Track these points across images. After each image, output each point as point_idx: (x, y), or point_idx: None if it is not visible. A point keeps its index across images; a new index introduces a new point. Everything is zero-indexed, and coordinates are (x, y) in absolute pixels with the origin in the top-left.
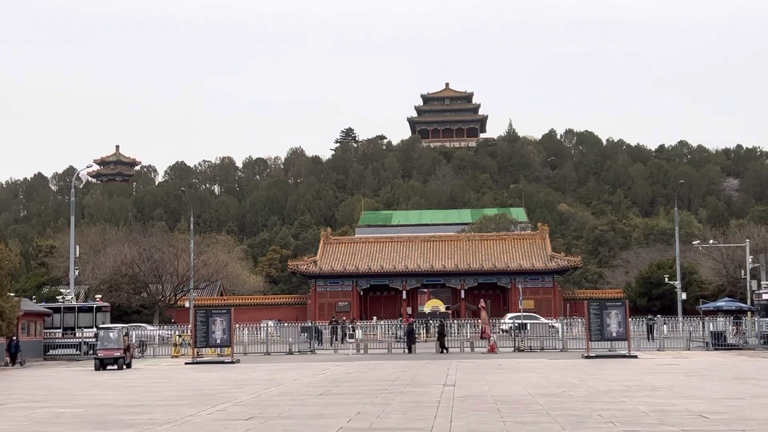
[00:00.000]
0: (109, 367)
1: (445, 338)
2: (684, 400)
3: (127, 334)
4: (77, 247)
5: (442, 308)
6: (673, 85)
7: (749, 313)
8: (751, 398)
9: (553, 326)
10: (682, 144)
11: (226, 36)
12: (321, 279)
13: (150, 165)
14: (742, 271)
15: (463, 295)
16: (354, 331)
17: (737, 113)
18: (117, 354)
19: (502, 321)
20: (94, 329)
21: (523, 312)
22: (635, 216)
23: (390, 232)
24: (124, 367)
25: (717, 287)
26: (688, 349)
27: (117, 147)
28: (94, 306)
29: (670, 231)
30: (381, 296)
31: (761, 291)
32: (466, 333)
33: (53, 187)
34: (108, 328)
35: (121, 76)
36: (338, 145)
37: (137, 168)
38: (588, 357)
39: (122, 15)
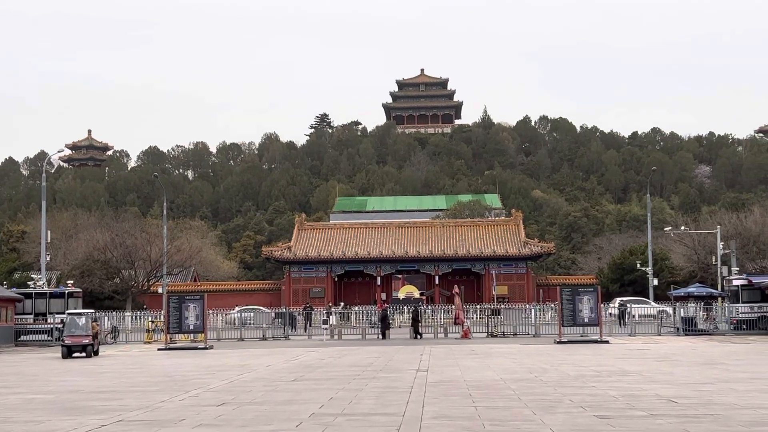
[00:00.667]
0: (76, 355)
1: (419, 324)
2: (654, 385)
3: (96, 320)
4: (49, 232)
5: (417, 294)
6: (646, 71)
7: (720, 299)
8: (719, 383)
9: (664, 311)
10: (655, 131)
11: (196, 20)
12: (295, 265)
13: (123, 150)
14: (713, 258)
15: (437, 281)
16: (329, 316)
17: (709, 100)
18: (85, 341)
19: (611, 305)
20: (66, 315)
21: (626, 298)
22: (608, 202)
23: (365, 218)
24: (93, 354)
25: (688, 273)
26: (659, 335)
27: (89, 131)
28: (66, 292)
29: (642, 217)
30: (356, 282)
31: (732, 277)
32: (440, 319)
33: (24, 172)
34: (77, 314)
35: (93, 60)
36: (313, 130)
37: (110, 153)
38: (560, 342)
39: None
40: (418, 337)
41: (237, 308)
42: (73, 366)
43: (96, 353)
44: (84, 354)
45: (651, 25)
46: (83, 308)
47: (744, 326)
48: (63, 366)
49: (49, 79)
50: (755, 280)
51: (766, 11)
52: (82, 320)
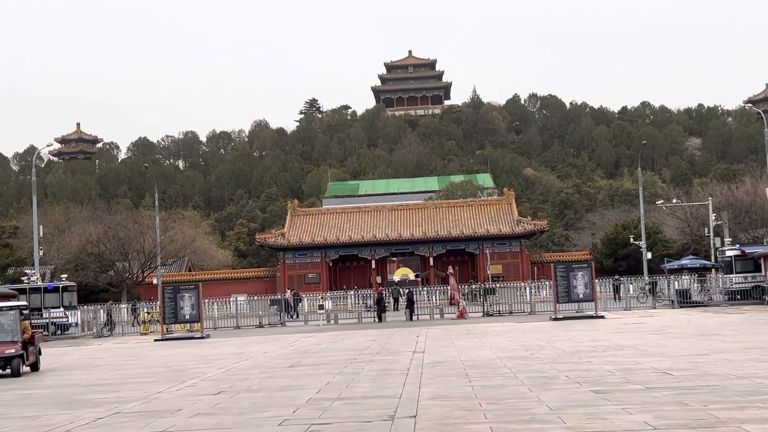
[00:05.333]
0: None
1: (414, 305)
2: (649, 358)
3: (26, 318)
4: (41, 227)
5: (412, 276)
6: (634, 45)
7: (713, 270)
8: (714, 354)
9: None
10: (645, 105)
11: (183, 6)
12: (289, 251)
13: (112, 142)
14: (706, 229)
15: (431, 263)
16: (323, 301)
17: (698, 72)
18: (10, 351)
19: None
20: (61, 309)
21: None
22: (600, 178)
23: (357, 202)
24: (23, 369)
25: (681, 246)
26: (654, 308)
27: (78, 124)
28: (61, 286)
29: (634, 192)
30: (350, 266)
31: (724, 248)
32: (436, 300)
33: (14, 167)
34: None
35: (81, 52)
36: (302, 116)
37: (99, 145)
38: (556, 319)
39: None
40: (415, 318)
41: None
42: (68, 359)
43: (35, 368)
44: (9, 371)
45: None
46: (78, 302)
47: (738, 296)
48: (58, 359)
49: (37, 73)
50: (748, 250)
51: None
52: (5, 319)
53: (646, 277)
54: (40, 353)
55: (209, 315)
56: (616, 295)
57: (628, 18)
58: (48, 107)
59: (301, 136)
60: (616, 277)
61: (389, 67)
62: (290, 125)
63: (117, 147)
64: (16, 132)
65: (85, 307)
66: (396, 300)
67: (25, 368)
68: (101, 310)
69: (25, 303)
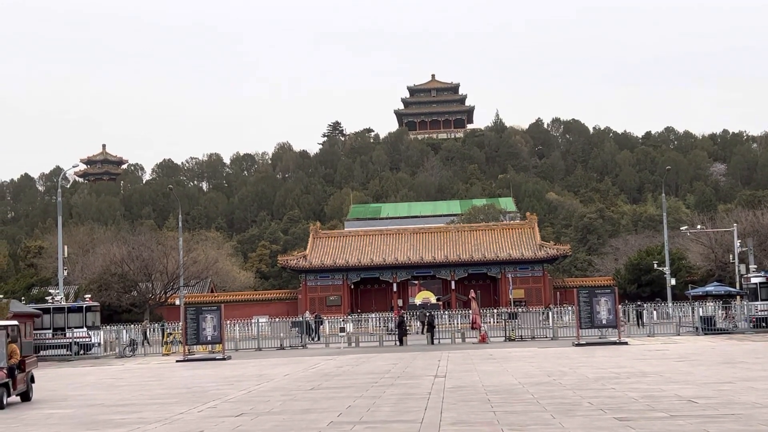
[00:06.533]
0: None
1: (435, 329)
2: (673, 385)
3: (14, 340)
4: (65, 247)
5: (433, 300)
6: (659, 71)
7: (738, 297)
8: (740, 382)
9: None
10: (669, 130)
11: (209, 32)
12: (311, 273)
13: (137, 163)
14: (731, 256)
15: (453, 286)
16: (344, 323)
17: (724, 98)
18: None
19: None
20: (84, 329)
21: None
22: (623, 203)
23: (379, 225)
24: (8, 397)
25: (706, 272)
26: (678, 335)
27: (104, 146)
28: (84, 306)
29: (658, 217)
30: (372, 289)
31: (749, 275)
32: (457, 324)
33: (40, 188)
34: None
35: (107, 75)
36: (326, 138)
37: (124, 166)
38: (578, 345)
39: (106, 13)
40: (436, 342)
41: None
42: (92, 379)
43: (26, 398)
44: None
45: (660, 24)
46: (101, 322)
47: (764, 324)
48: (82, 379)
49: (63, 95)
50: None
51: None
52: None
53: (671, 304)
54: (33, 380)
55: (231, 336)
56: (639, 321)
57: (652, 44)
58: (74, 128)
59: (324, 158)
60: (639, 303)
61: (412, 90)
62: (313, 148)
63: (142, 168)
64: (42, 153)
65: (108, 327)
66: (423, 324)
67: (14, 398)
68: (123, 331)
69: (15, 322)
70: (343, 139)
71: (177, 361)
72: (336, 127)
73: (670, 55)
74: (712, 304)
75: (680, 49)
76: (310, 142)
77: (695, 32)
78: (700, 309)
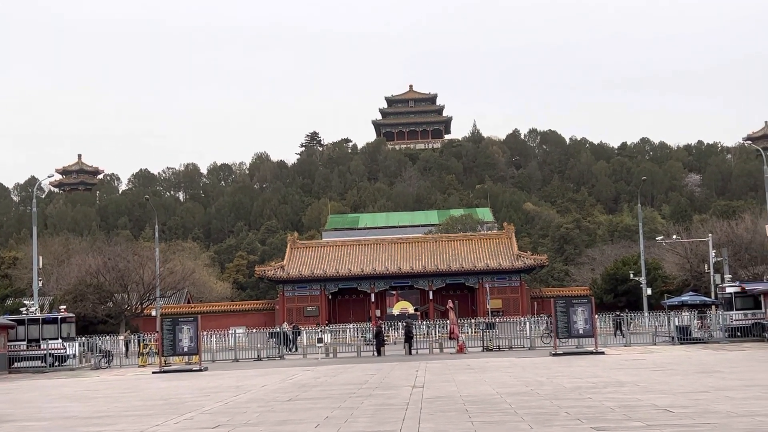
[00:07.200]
0: None
1: (413, 339)
2: (650, 394)
3: None
4: (40, 257)
5: (411, 310)
6: (636, 83)
7: (713, 306)
8: (715, 391)
9: None
10: (644, 141)
11: (186, 41)
12: (289, 284)
13: (113, 173)
14: (706, 266)
15: (431, 296)
16: (322, 334)
17: (699, 109)
18: None
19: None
20: (59, 341)
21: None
22: (600, 213)
23: (357, 235)
24: None
25: (681, 282)
26: (654, 344)
27: (79, 156)
28: (59, 317)
29: (634, 227)
30: (349, 299)
31: (725, 285)
32: (435, 334)
33: (15, 198)
34: None
35: (82, 83)
36: (303, 149)
37: (100, 176)
38: (555, 354)
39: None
40: (414, 352)
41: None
42: (67, 391)
43: None
44: None
45: (637, 37)
46: (76, 333)
47: (738, 333)
48: (57, 391)
49: (38, 103)
50: (748, 287)
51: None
52: None
53: (646, 313)
54: None
55: (208, 347)
56: (617, 331)
57: (628, 56)
58: (49, 138)
59: (302, 168)
60: (617, 313)
61: (390, 101)
62: (291, 158)
63: (117, 178)
64: (16, 163)
65: (83, 339)
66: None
67: None
68: (98, 342)
69: None
70: (321, 149)
71: (153, 372)
72: (314, 137)
73: (646, 67)
74: (687, 313)
75: (656, 60)
76: (288, 153)
77: (670, 45)
78: (676, 319)
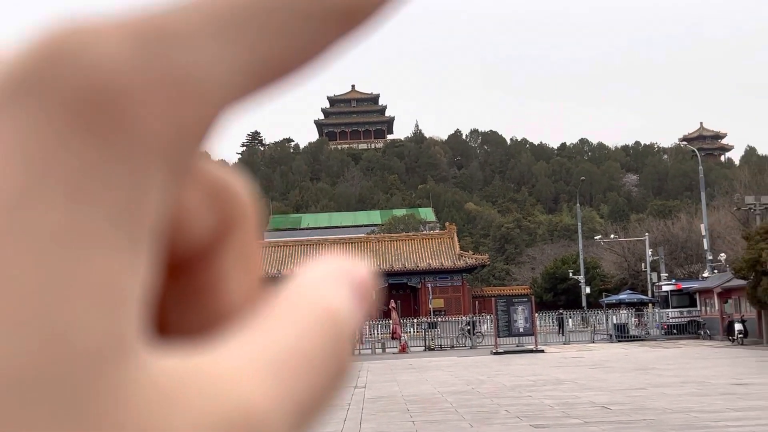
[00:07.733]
0: None
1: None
2: (588, 392)
3: None
4: None
5: None
6: (574, 83)
7: (650, 304)
8: (651, 388)
9: None
10: (583, 142)
11: None
12: None
13: None
14: (643, 264)
15: (373, 296)
16: None
17: (635, 110)
18: None
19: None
20: None
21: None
22: (540, 213)
23: (299, 236)
24: None
25: (619, 280)
26: (593, 342)
27: None
28: None
29: (573, 227)
30: None
31: (661, 283)
32: (377, 334)
33: None
34: None
35: None
36: (244, 148)
37: None
38: (497, 353)
39: None
40: (355, 352)
41: None
42: None
43: None
44: None
45: (576, 36)
46: None
47: (674, 331)
48: None
49: None
50: (684, 285)
51: (696, 20)
52: None
53: (585, 312)
54: None
55: None
56: (561, 329)
57: (567, 58)
58: None
59: (243, 168)
60: (561, 311)
61: (332, 101)
62: (232, 157)
63: None
64: None
65: None
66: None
67: None
68: None
69: None
70: (262, 149)
71: None
72: (255, 136)
73: (583, 68)
74: (625, 311)
75: (594, 62)
76: (229, 152)
77: (610, 46)
78: (614, 317)
